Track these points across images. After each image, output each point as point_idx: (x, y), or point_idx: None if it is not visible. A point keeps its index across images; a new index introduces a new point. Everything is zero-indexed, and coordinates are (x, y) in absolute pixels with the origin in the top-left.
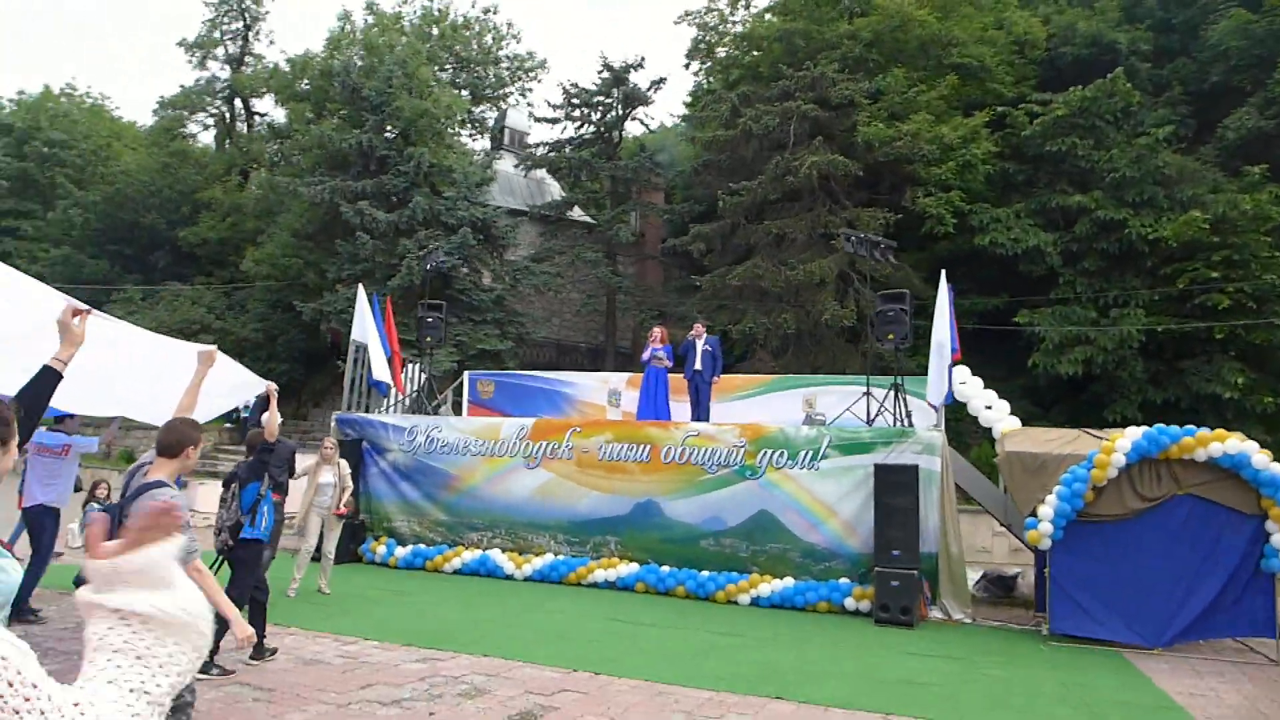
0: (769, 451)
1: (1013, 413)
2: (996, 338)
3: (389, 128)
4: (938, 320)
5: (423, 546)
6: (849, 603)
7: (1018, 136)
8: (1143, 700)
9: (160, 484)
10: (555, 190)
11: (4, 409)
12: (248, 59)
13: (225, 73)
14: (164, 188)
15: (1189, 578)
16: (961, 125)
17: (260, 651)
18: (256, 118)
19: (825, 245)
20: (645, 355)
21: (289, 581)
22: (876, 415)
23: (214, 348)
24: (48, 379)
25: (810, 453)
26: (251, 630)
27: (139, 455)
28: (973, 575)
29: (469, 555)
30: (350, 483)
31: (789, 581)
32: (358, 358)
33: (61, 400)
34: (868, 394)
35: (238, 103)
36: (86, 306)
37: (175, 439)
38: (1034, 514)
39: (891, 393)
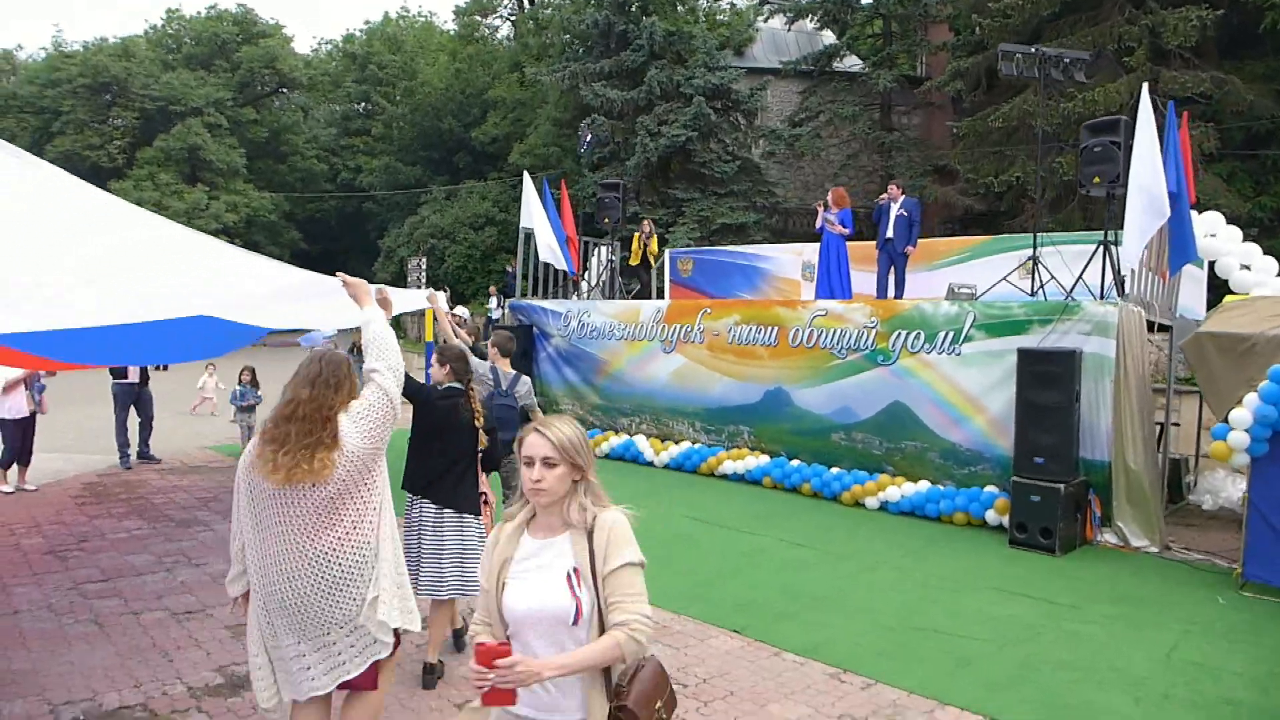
0: (903, 333)
1: None
2: None
3: (626, 1)
4: (1138, 153)
5: None
6: (990, 516)
7: None
8: (1258, 700)
9: (520, 375)
10: (830, 42)
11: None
12: None
13: None
14: (457, 93)
15: None
16: None
17: None
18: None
19: (1118, 65)
20: (819, 222)
21: None
22: (1075, 285)
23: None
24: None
25: (951, 334)
26: None
27: None
28: None
29: (616, 440)
30: None
31: (923, 486)
32: (529, 244)
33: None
34: (1034, 259)
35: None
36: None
37: (512, 345)
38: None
39: (1102, 253)
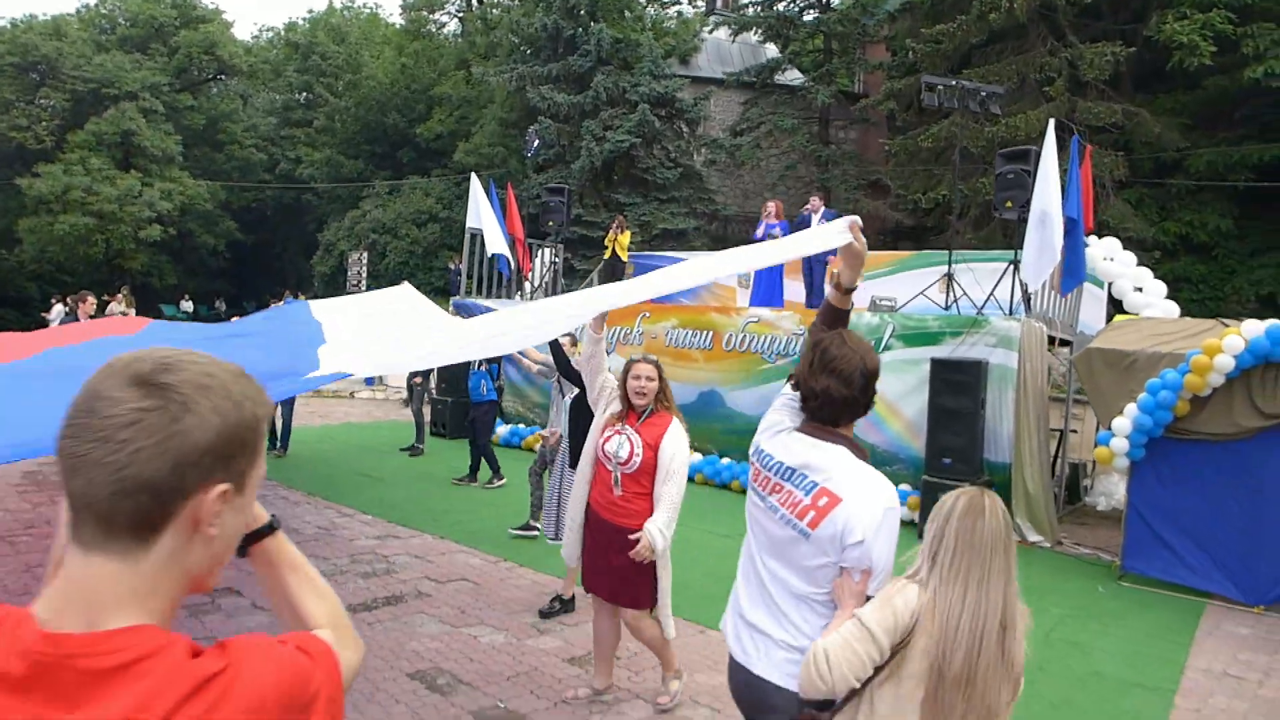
0: None
1: None
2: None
3: (575, 6)
4: (1041, 182)
5: (521, 426)
6: (904, 513)
7: None
8: (1122, 673)
9: None
10: (773, 55)
11: None
12: None
13: None
14: (402, 88)
15: None
16: None
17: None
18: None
19: (1039, 94)
20: (758, 233)
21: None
22: (986, 300)
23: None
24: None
25: (872, 343)
26: None
27: None
28: None
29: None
30: None
31: None
32: (474, 244)
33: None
34: (949, 276)
35: None
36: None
37: None
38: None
39: (1012, 271)
